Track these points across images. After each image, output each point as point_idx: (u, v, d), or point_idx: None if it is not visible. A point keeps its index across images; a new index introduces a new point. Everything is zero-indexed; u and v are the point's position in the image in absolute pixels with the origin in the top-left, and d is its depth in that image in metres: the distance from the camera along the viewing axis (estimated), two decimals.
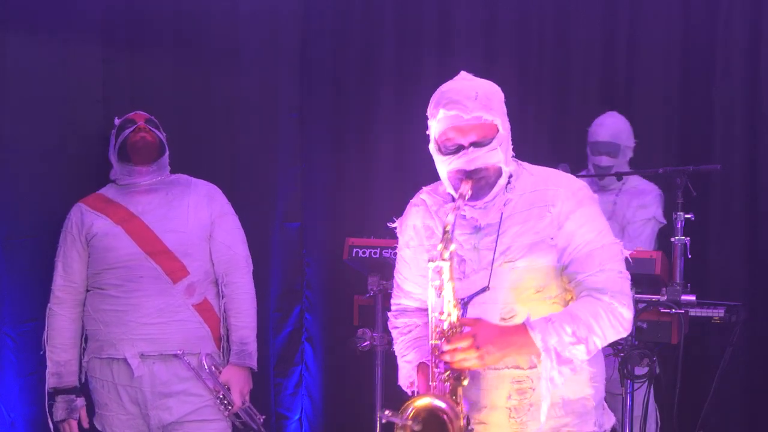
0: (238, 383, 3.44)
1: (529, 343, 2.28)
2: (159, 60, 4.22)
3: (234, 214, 3.61)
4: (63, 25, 3.80)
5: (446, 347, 2.31)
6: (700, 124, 4.38)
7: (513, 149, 2.53)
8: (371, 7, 4.81)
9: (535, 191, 2.45)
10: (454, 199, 2.43)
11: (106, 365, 3.41)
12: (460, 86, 2.42)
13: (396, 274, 2.69)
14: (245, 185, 4.39)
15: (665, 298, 3.48)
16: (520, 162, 2.53)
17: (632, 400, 3.56)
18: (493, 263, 2.39)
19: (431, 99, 2.45)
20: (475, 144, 2.37)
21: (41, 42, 3.72)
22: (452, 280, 2.33)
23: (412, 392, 2.53)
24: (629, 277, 2.44)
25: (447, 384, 2.35)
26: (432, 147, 2.46)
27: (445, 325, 2.34)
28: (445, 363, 2.33)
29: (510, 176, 2.46)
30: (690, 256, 3.60)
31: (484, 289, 2.40)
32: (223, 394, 3.42)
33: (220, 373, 3.44)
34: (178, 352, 3.36)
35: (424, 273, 2.46)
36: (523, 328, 2.30)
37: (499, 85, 2.52)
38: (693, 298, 3.50)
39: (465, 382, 2.36)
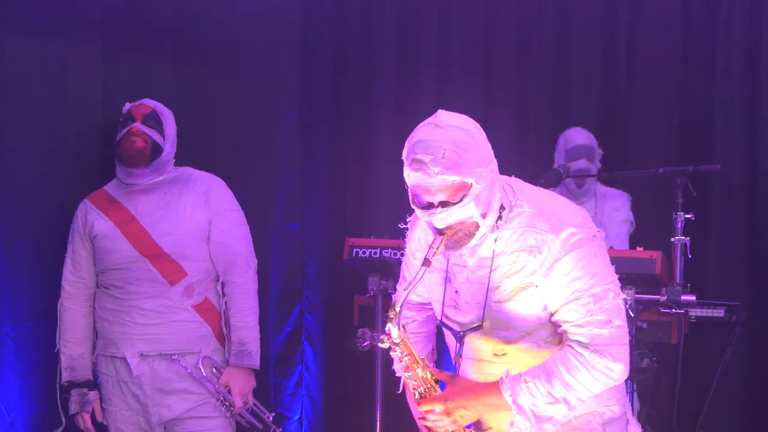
0: (237, 384, 3.43)
1: (503, 403, 2.28)
2: (159, 60, 4.22)
3: (236, 210, 3.56)
4: (63, 25, 3.79)
5: (421, 408, 2.36)
6: (700, 124, 4.38)
7: (507, 174, 2.45)
8: (371, 7, 4.81)
9: (525, 231, 2.32)
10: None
11: (110, 362, 3.43)
12: (430, 138, 2.26)
13: (402, 274, 2.69)
14: (245, 185, 4.37)
15: (665, 298, 3.49)
16: (516, 191, 2.40)
17: (632, 400, 3.56)
18: (486, 300, 2.35)
19: (405, 143, 2.35)
20: (444, 204, 2.26)
21: (41, 42, 3.71)
22: (411, 354, 2.37)
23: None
24: (622, 325, 2.30)
25: None
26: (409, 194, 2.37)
27: (421, 389, 2.40)
28: (424, 426, 2.40)
29: (502, 209, 2.35)
30: (690, 256, 3.60)
31: (477, 327, 2.39)
32: (223, 396, 3.41)
33: (220, 374, 3.43)
34: (175, 356, 3.36)
35: (425, 285, 2.49)
36: (496, 388, 2.29)
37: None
38: (693, 298, 3.50)
39: None
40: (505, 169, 2.47)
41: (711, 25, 4.36)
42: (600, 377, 2.26)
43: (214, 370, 3.42)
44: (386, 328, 2.29)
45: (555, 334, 2.37)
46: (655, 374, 3.47)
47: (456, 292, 2.41)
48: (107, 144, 3.76)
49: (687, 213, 3.63)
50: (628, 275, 3.39)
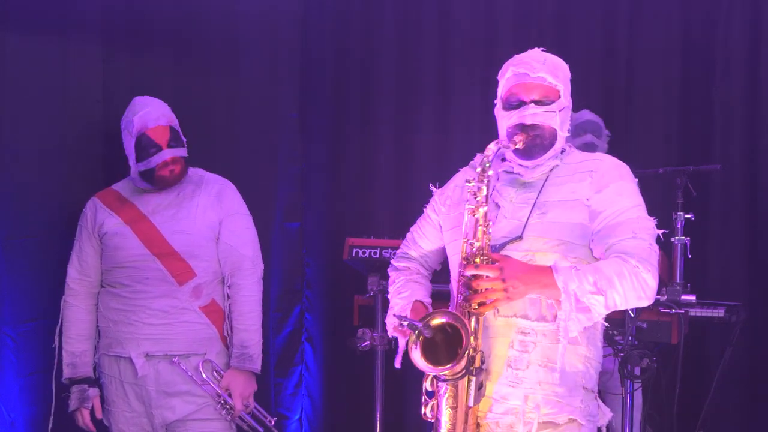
0: (238, 387, 3.42)
1: (551, 284, 2.36)
2: (159, 60, 4.22)
3: (245, 214, 3.57)
4: (63, 25, 3.80)
5: (473, 271, 2.37)
6: (700, 124, 4.38)
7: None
8: (371, 7, 4.81)
9: (581, 162, 2.58)
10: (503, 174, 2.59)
11: (114, 362, 3.43)
12: (532, 53, 2.61)
13: (414, 229, 2.81)
14: (245, 185, 4.36)
15: (665, 298, 3.49)
16: (571, 145, 2.67)
17: (632, 400, 3.56)
18: (529, 217, 2.48)
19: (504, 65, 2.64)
20: (537, 102, 2.52)
21: (41, 42, 3.71)
22: (486, 203, 2.43)
23: (394, 336, 2.60)
24: (658, 251, 2.48)
25: (466, 312, 2.40)
26: (496, 106, 2.62)
27: (474, 250, 2.42)
28: (470, 290, 2.38)
29: (562, 151, 2.60)
30: (690, 256, 3.60)
31: (517, 238, 2.48)
32: (223, 399, 3.41)
33: (221, 377, 3.43)
34: (175, 358, 3.36)
35: (454, 225, 2.56)
36: (548, 270, 2.38)
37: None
38: (693, 298, 3.50)
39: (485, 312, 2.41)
40: None
41: (711, 25, 4.36)
42: (637, 287, 2.38)
43: (215, 373, 3.42)
44: (476, 170, 2.45)
45: (587, 257, 2.48)
46: (655, 374, 3.46)
47: (497, 207, 2.53)
48: (107, 144, 3.76)
49: (687, 213, 3.63)
50: None
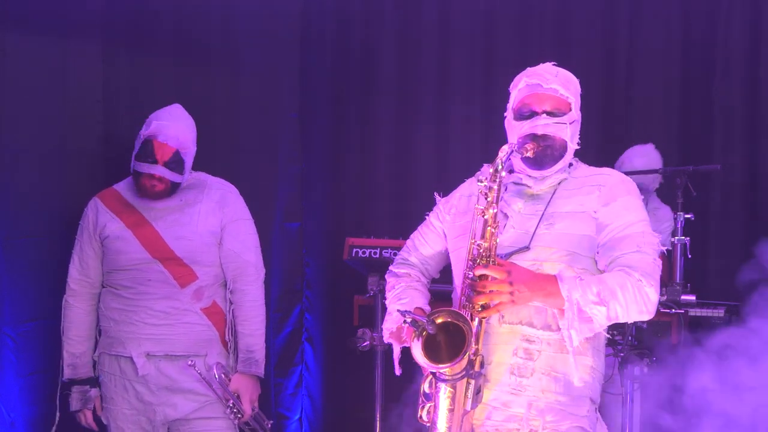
0: (247, 392, 3.45)
1: (556, 292, 2.36)
2: (159, 60, 4.22)
3: (248, 219, 3.57)
4: (63, 25, 3.79)
5: (481, 271, 2.37)
6: (700, 124, 4.38)
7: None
8: (370, 7, 4.81)
9: (589, 176, 2.61)
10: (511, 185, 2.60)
11: (114, 361, 3.43)
12: (545, 66, 2.64)
13: (414, 236, 2.80)
14: (245, 185, 4.36)
15: (665, 298, 3.49)
16: (578, 159, 2.69)
17: (632, 400, 3.56)
18: (537, 228, 2.50)
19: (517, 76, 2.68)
20: (549, 113, 2.55)
21: (41, 42, 3.71)
22: (497, 204, 2.42)
23: (389, 342, 2.61)
24: (660, 264, 2.48)
25: (470, 313, 2.39)
26: (508, 117, 2.64)
27: (482, 251, 2.41)
28: (475, 291, 2.37)
29: (570, 164, 2.62)
30: (690, 256, 3.60)
31: (524, 248, 2.49)
32: (233, 403, 3.42)
33: (229, 380, 3.44)
34: (191, 361, 3.36)
35: (459, 233, 2.57)
36: (553, 279, 2.38)
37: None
38: (693, 298, 3.50)
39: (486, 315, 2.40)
40: None
41: (711, 25, 4.36)
42: (639, 301, 2.39)
43: (223, 376, 3.43)
44: (490, 170, 2.43)
45: (591, 268, 2.50)
46: (655, 374, 3.47)
47: (505, 217, 2.54)
48: (107, 144, 3.76)
49: (687, 213, 3.63)
50: None
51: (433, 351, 2.38)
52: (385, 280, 2.80)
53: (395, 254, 2.79)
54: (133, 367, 3.38)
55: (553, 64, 2.63)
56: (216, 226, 3.47)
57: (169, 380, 3.38)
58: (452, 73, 4.69)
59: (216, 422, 3.44)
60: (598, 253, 2.49)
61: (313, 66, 4.86)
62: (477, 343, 2.38)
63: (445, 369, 2.35)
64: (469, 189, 2.66)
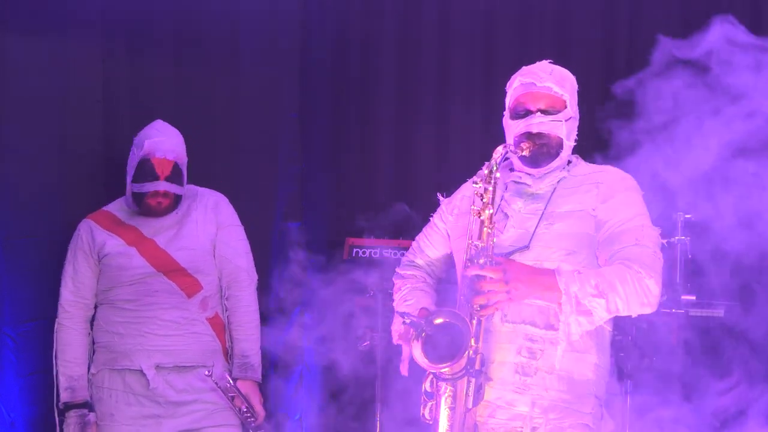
0: (255, 395, 3.47)
1: (554, 286, 2.36)
2: (159, 60, 4.22)
3: (238, 226, 3.60)
4: (63, 25, 3.80)
5: (476, 271, 2.37)
6: None
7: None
8: (370, 6, 4.81)
9: (588, 174, 2.62)
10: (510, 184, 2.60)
11: (117, 375, 3.39)
12: (540, 64, 2.67)
13: (419, 237, 2.82)
14: (245, 185, 4.39)
15: (665, 298, 3.49)
16: (578, 157, 2.71)
17: (632, 400, 3.56)
18: (536, 228, 2.50)
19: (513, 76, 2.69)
20: (543, 111, 2.56)
21: (41, 42, 3.71)
22: (492, 205, 2.43)
23: (399, 344, 2.61)
24: (662, 259, 2.49)
25: (469, 313, 2.40)
26: (504, 117, 2.66)
27: (479, 251, 2.41)
28: (473, 291, 2.38)
29: (569, 162, 2.64)
30: (690, 256, 3.59)
31: (524, 247, 2.49)
32: (246, 407, 3.43)
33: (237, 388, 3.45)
34: (207, 372, 3.35)
35: (462, 234, 2.56)
36: (551, 272, 2.39)
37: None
38: (693, 298, 3.50)
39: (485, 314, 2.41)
40: None
41: (711, 25, 4.35)
42: (640, 293, 2.39)
43: (234, 383, 3.44)
44: (484, 171, 2.44)
45: (593, 266, 2.49)
46: (655, 374, 3.47)
47: (505, 216, 2.55)
48: (107, 144, 3.76)
49: (687, 213, 3.63)
50: None
51: (433, 351, 2.38)
52: (386, 278, 2.82)
53: (395, 254, 2.80)
54: (139, 380, 3.36)
55: (549, 62, 2.64)
56: (212, 233, 3.50)
57: (177, 391, 3.37)
58: (452, 73, 4.69)
59: (224, 429, 3.44)
60: (598, 249, 2.50)
61: (313, 66, 4.85)
62: (477, 342, 2.38)
63: (444, 369, 2.35)
64: (471, 189, 2.66)
